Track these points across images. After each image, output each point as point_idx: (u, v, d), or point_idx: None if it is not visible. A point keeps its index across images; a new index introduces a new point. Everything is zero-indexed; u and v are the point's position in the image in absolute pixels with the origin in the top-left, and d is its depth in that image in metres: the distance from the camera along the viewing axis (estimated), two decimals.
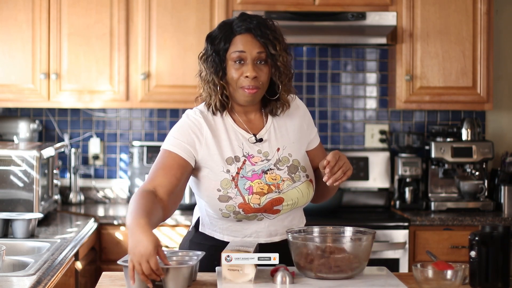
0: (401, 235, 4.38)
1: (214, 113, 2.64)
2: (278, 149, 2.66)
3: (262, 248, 2.60)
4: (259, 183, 2.58)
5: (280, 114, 2.68)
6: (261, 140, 2.65)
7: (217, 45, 2.59)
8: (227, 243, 2.59)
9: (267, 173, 2.61)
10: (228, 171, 2.59)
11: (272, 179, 2.60)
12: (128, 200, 4.81)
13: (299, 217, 2.76)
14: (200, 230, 2.71)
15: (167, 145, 2.60)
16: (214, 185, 2.59)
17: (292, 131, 2.70)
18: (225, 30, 2.60)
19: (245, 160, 2.61)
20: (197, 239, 2.71)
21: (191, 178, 2.66)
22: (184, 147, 2.58)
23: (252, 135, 2.65)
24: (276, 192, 2.59)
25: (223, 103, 2.62)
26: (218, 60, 2.59)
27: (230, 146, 2.62)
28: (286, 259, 2.45)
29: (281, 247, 2.54)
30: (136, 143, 4.82)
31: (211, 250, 2.60)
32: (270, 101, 2.67)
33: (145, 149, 4.78)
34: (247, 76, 2.56)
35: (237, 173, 2.58)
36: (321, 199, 2.81)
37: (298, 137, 2.71)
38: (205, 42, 2.64)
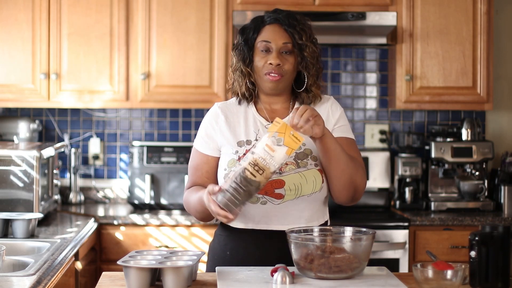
0: (401, 235, 4.37)
1: (240, 103, 2.75)
2: None
3: (273, 235, 2.63)
4: None
5: (310, 105, 2.71)
6: None
7: (247, 34, 2.71)
8: (239, 232, 2.62)
9: None
10: (236, 152, 2.67)
11: None
12: (128, 200, 4.81)
13: (317, 211, 2.70)
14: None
15: (195, 143, 2.79)
16: (222, 165, 2.69)
17: None
18: (256, 21, 2.73)
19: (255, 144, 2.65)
20: (218, 230, 2.79)
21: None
22: (205, 142, 2.74)
23: (270, 122, 2.70)
24: (277, 173, 2.60)
25: (250, 91, 2.72)
26: (247, 48, 2.70)
27: (245, 131, 2.71)
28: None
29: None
30: (136, 143, 4.81)
31: (226, 240, 2.70)
32: (300, 93, 2.73)
33: (145, 149, 4.77)
34: (271, 63, 2.65)
35: (244, 154, 2.63)
36: (334, 191, 2.66)
37: None
38: (237, 34, 2.76)
